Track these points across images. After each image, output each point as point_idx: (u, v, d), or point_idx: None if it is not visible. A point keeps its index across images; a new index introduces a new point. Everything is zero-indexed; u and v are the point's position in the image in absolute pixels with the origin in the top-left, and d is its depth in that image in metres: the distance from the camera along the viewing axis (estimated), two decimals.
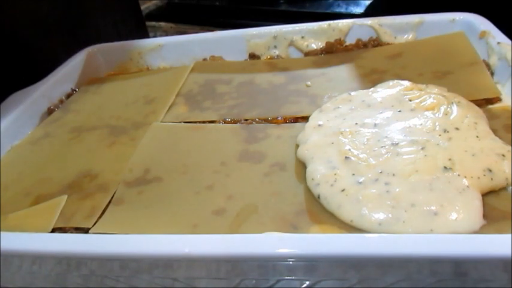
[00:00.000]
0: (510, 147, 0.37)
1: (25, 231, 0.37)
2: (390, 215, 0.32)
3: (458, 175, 0.34)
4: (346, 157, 0.38)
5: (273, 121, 0.48)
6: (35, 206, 0.41)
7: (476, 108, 0.42)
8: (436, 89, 0.45)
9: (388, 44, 0.60)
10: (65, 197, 0.41)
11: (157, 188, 0.41)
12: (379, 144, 0.39)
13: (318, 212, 0.35)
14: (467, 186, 0.33)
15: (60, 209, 0.39)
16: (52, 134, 0.53)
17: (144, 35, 0.88)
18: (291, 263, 0.30)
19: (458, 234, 0.31)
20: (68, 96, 0.62)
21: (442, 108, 0.41)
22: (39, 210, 0.40)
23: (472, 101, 0.43)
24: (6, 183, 0.45)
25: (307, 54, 0.62)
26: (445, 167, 0.35)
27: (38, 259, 0.34)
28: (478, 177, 0.34)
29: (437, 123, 0.39)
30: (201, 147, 0.46)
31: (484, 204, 0.33)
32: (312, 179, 0.37)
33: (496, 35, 0.51)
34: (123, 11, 0.82)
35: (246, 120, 0.49)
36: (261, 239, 0.31)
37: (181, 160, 0.44)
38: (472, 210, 0.32)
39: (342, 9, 0.91)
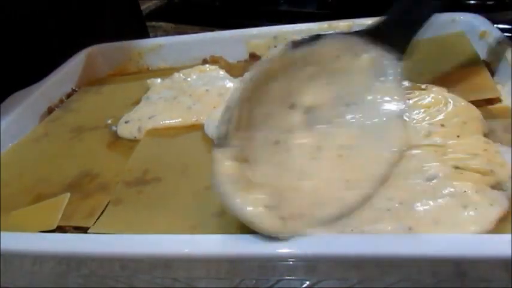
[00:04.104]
0: (488, 145, 0.36)
1: (29, 228, 0.37)
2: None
3: None
4: None
5: None
6: (38, 204, 0.41)
7: (473, 108, 0.42)
8: (435, 89, 0.44)
9: None
10: (68, 194, 0.41)
11: (157, 188, 0.41)
12: None
13: None
14: None
15: (63, 206, 0.40)
16: (52, 133, 0.53)
17: (144, 35, 0.87)
18: (291, 263, 0.30)
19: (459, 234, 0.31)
20: (68, 96, 0.62)
21: (435, 109, 0.41)
22: (43, 207, 0.40)
23: (472, 101, 0.43)
24: (6, 181, 0.45)
25: None
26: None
27: (38, 259, 0.34)
28: None
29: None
30: (201, 147, 0.46)
31: None
32: None
33: (496, 35, 0.51)
34: (123, 11, 0.82)
35: None
36: (261, 239, 0.31)
37: (181, 160, 0.44)
38: None
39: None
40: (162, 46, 0.67)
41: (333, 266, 0.30)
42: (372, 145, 0.35)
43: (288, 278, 0.31)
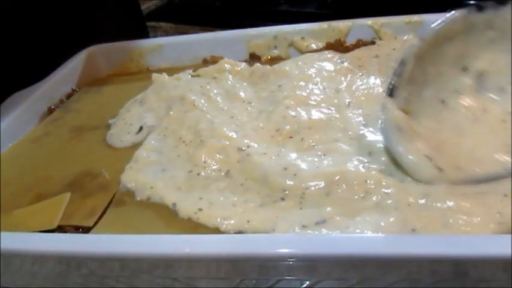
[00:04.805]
0: None
1: (29, 228, 0.37)
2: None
3: None
4: None
5: None
6: (39, 203, 0.41)
7: None
8: None
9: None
10: (69, 194, 0.41)
11: None
12: None
13: None
14: None
15: (64, 206, 0.40)
16: (53, 133, 0.53)
17: (144, 35, 0.87)
18: (291, 263, 0.30)
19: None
20: (68, 96, 0.62)
21: None
22: (44, 207, 0.40)
23: None
24: (7, 180, 0.46)
25: None
26: None
27: (38, 259, 0.34)
28: None
29: None
30: None
31: None
32: None
33: None
34: (123, 11, 0.82)
35: None
36: (261, 239, 0.31)
37: None
38: None
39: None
40: (162, 46, 0.67)
41: (333, 266, 0.30)
42: None
43: (288, 278, 0.31)
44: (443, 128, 0.37)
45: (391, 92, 0.37)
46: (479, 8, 0.37)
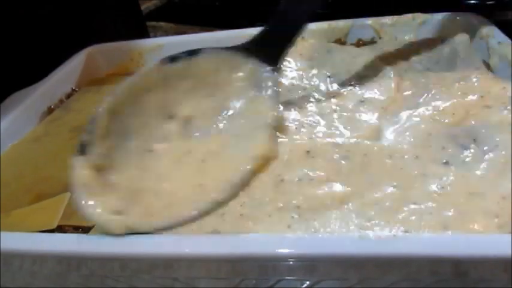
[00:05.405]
0: None
1: (29, 228, 0.37)
2: None
3: None
4: None
5: None
6: (39, 203, 0.41)
7: None
8: None
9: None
10: (69, 194, 0.41)
11: None
12: None
13: None
14: None
15: (64, 206, 0.40)
16: (52, 133, 0.53)
17: (144, 35, 0.87)
18: (291, 263, 0.30)
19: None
20: (68, 96, 0.62)
21: None
22: (43, 207, 0.40)
23: None
24: (6, 180, 0.45)
25: None
26: None
27: (38, 259, 0.34)
28: None
29: None
30: None
31: None
32: None
33: (497, 35, 0.51)
34: (123, 11, 0.82)
35: None
36: (261, 239, 0.31)
37: None
38: None
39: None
40: (162, 46, 0.66)
41: (333, 266, 0.30)
42: (235, 152, 0.37)
43: (288, 278, 0.31)
44: (145, 176, 0.37)
45: (82, 150, 0.36)
46: (172, 59, 0.40)
